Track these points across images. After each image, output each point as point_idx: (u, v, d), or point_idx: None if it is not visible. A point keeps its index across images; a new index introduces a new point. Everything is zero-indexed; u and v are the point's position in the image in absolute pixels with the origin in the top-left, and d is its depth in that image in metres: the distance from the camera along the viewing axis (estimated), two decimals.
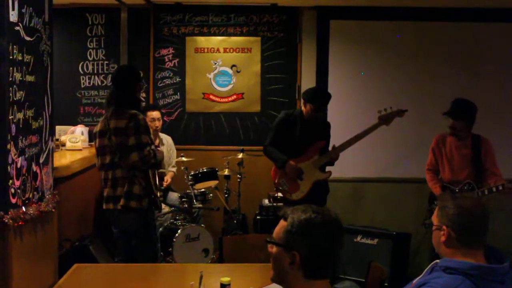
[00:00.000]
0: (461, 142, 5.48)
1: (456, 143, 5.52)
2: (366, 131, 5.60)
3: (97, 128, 4.97)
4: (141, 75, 5.18)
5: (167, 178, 6.97)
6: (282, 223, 2.26)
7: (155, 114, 6.83)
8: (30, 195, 3.41)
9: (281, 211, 2.30)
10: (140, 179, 4.81)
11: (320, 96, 5.59)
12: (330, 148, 5.69)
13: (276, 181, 5.76)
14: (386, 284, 5.80)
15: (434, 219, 2.79)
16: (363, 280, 5.85)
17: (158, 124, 6.84)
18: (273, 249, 2.27)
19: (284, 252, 2.21)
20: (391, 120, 5.61)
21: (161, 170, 6.81)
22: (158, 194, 5.08)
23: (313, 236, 2.17)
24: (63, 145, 6.32)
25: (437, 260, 2.74)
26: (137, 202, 4.81)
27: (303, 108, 5.64)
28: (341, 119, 6.78)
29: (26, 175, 3.34)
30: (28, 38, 3.36)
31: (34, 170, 3.49)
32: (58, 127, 6.48)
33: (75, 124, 7.05)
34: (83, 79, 7.49)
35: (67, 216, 5.34)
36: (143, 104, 7.32)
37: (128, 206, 4.79)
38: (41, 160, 3.62)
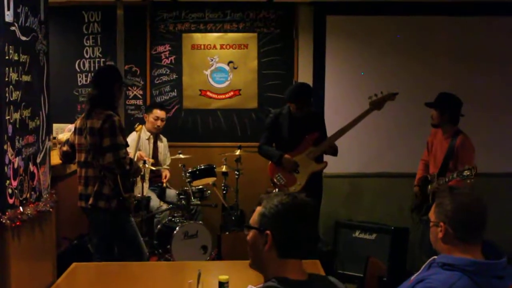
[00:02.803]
0: (445, 135, 5.50)
1: (441, 138, 5.56)
2: (357, 118, 5.63)
3: (76, 125, 4.97)
4: (122, 76, 5.15)
5: (165, 174, 6.97)
6: (257, 209, 2.38)
7: (161, 113, 6.86)
8: (28, 195, 3.41)
9: (258, 199, 2.42)
10: (110, 180, 4.80)
11: (298, 94, 5.65)
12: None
13: (273, 177, 5.78)
14: (384, 279, 5.82)
15: (432, 215, 2.79)
16: (362, 275, 5.87)
17: (161, 124, 6.86)
18: (249, 234, 2.38)
19: (258, 234, 2.33)
20: (383, 105, 5.65)
21: (157, 167, 6.82)
22: (130, 196, 5.05)
23: (284, 216, 2.30)
24: (60, 143, 6.31)
25: (435, 256, 2.75)
26: (106, 203, 4.79)
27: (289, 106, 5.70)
28: (338, 115, 6.76)
29: (23, 175, 3.34)
30: (24, 38, 3.36)
31: (31, 170, 3.49)
32: (55, 125, 6.46)
33: (72, 122, 6.97)
34: (80, 76, 7.47)
35: (65, 214, 5.35)
36: (140, 102, 7.37)
37: (97, 205, 4.79)
38: (38, 160, 3.62)
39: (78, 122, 4.95)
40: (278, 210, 2.30)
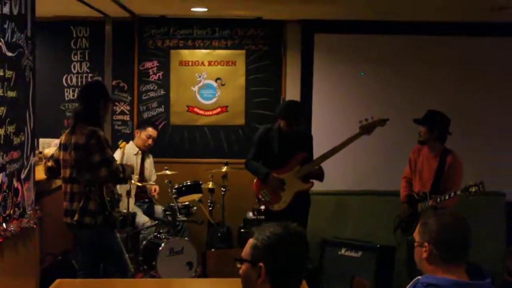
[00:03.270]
0: (432, 154, 5.51)
1: (428, 155, 5.57)
2: (346, 141, 5.62)
3: (61, 140, 4.95)
4: (108, 92, 5.14)
5: (154, 188, 6.95)
6: (249, 241, 2.33)
7: (154, 132, 6.93)
8: (11, 212, 3.38)
9: (250, 231, 2.38)
10: (95, 196, 4.78)
11: (289, 111, 5.64)
12: None
13: (258, 193, 5.77)
14: None
15: (416, 235, 2.79)
16: None
17: (151, 142, 6.92)
18: (242, 268, 2.33)
19: (251, 267, 2.28)
20: (373, 130, 5.63)
21: (143, 183, 6.81)
22: (116, 212, 5.04)
23: (277, 248, 2.25)
24: (47, 158, 6.28)
25: (419, 277, 2.74)
26: (91, 218, 4.76)
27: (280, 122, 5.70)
28: (325, 131, 6.79)
29: (7, 191, 3.32)
30: (10, 54, 3.34)
31: (15, 186, 3.47)
32: (42, 140, 6.45)
33: (58, 136, 6.92)
34: (67, 91, 7.46)
35: (50, 230, 5.32)
36: (127, 117, 7.35)
37: (82, 222, 4.76)
38: (22, 176, 3.60)
39: (63, 137, 4.93)
40: (271, 242, 2.25)
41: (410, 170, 5.80)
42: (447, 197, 5.16)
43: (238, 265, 2.34)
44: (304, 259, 2.32)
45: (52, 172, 5.09)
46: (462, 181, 5.23)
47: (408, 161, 5.81)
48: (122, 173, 4.82)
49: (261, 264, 2.24)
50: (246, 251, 2.32)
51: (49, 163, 5.09)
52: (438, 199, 5.23)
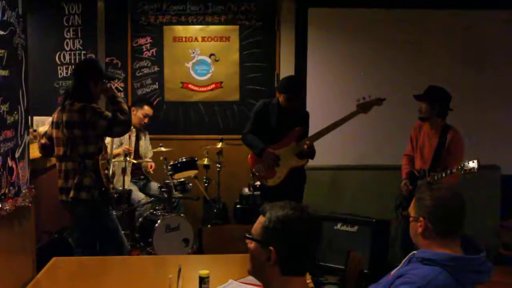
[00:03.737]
0: (433, 131, 5.49)
1: (428, 132, 5.54)
2: (343, 119, 5.59)
3: (53, 118, 4.94)
4: (101, 71, 5.10)
5: (151, 164, 6.96)
6: (260, 219, 2.24)
7: (150, 111, 6.96)
8: (6, 191, 3.37)
9: (261, 207, 2.28)
10: (90, 172, 4.77)
11: (290, 86, 5.61)
12: None
13: (253, 168, 5.77)
14: (366, 271, 5.84)
15: (411, 210, 2.81)
16: (343, 267, 5.88)
17: (147, 121, 6.95)
18: (251, 244, 2.25)
19: (261, 248, 2.20)
20: (370, 109, 5.60)
21: (138, 161, 6.81)
22: (111, 187, 5.07)
23: (290, 232, 2.15)
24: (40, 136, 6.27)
25: (415, 252, 2.76)
26: (87, 194, 4.76)
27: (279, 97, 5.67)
28: (320, 107, 6.78)
29: (2, 170, 3.30)
30: (1, 32, 3.31)
31: (10, 165, 3.45)
32: (36, 118, 6.44)
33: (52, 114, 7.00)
34: (60, 69, 7.43)
35: (45, 208, 5.32)
36: (121, 95, 7.33)
37: (78, 197, 4.76)
38: (16, 155, 3.58)
39: (55, 115, 4.91)
40: (284, 226, 2.15)
41: (411, 147, 5.78)
42: (443, 175, 5.16)
43: (247, 241, 2.26)
44: (317, 244, 2.21)
45: (46, 150, 5.07)
46: (463, 157, 5.22)
47: (409, 138, 5.80)
48: (122, 115, 4.82)
49: (271, 248, 2.16)
50: (256, 229, 2.24)
51: (43, 140, 5.08)
52: (436, 177, 5.23)
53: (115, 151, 6.46)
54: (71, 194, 4.76)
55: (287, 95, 5.54)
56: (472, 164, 4.91)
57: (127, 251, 5.22)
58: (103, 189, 4.83)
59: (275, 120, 5.68)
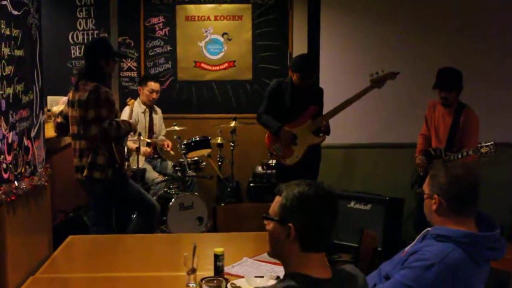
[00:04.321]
0: (447, 110, 5.47)
1: (443, 111, 5.52)
2: (357, 95, 5.60)
3: (69, 97, 4.97)
4: (112, 49, 5.11)
5: (167, 143, 6.96)
6: (277, 199, 2.26)
7: (156, 86, 6.87)
8: (22, 170, 3.41)
9: (276, 188, 2.29)
10: (104, 150, 4.79)
11: (303, 64, 5.60)
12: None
13: (270, 147, 5.78)
14: (379, 249, 5.85)
15: (426, 187, 2.81)
16: (357, 245, 5.90)
17: (155, 96, 6.88)
18: (269, 225, 2.27)
19: (280, 226, 2.21)
20: (383, 83, 5.59)
21: (154, 140, 6.83)
22: (125, 165, 5.09)
23: (307, 208, 2.17)
24: (55, 115, 6.30)
25: (429, 228, 2.77)
26: (101, 173, 4.80)
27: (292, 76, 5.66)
28: (333, 85, 6.74)
29: (18, 149, 3.34)
30: (15, 12, 3.33)
31: (26, 144, 3.49)
32: (49, 98, 6.45)
33: (66, 94, 6.95)
34: (73, 49, 7.44)
35: (61, 187, 5.36)
36: (135, 74, 7.34)
37: (92, 176, 4.80)
38: (32, 134, 3.61)
39: (70, 94, 4.96)
40: (301, 202, 2.17)
41: (426, 127, 5.76)
42: (459, 156, 5.14)
43: (265, 222, 2.28)
44: (334, 219, 2.23)
45: (61, 129, 5.11)
46: (478, 136, 5.20)
47: (424, 118, 5.78)
48: (114, 131, 4.77)
49: (290, 224, 2.17)
50: (274, 209, 2.25)
51: (59, 119, 5.11)
52: (452, 157, 5.21)
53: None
54: (85, 173, 4.80)
55: (300, 74, 5.54)
56: (488, 147, 4.89)
57: (158, 210, 5.40)
58: (117, 166, 4.86)
59: (289, 99, 5.68)
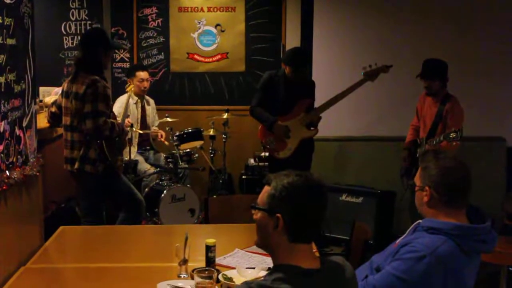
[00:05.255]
0: (434, 100, 5.51)
1: (431, 102, 5.56)
2: (350, 88, 5.62)
3: (63, 87, 4.93)
4: (109, 39, 5.08)
5: (160, 133, 6.94)
6: (266, 189, 2.24)
7: (144, 74, 6.79)
8: (14, 159, 3.39)
9: (265, 178, 2.28)
10: (95, 144, 4.78)
11: (296, 58, 5.61)
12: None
13: (263, 140, 5.78)
14: (370, 242, 5.86)
15: (417, 179, 2.81)
16: (348, 238, 5.91)
17: (146, 84, 6.81)
18: (257, 215, 2.25)
19: (268, 216, 2.19)
20: (376, 76, 5.62)
21: (146, 131, 6.81)
22: (118, 160, 5.06)
23: (296, 198, 2.16)
24: (47, 106, 6.28)
25: (420, 220, 2.77)
26: (92, 167, 4.78)
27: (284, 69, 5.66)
28: (326, 78, 6.74)
29: (9, 139, 3.32)
30: (7, 1, 3.30)
31: (17, 134, 3.47)
32: (42, 88, 6.42)
33: (59, 85, 6.92)
34: (66, 39, 7.40)
35: (52, 177, 5.34)
36: (127, 64, 7.32)
37: (83, 170, 4.78)
38: (24, 124, 3.60)
39: (65, 85, 4.91)
40: (290, 193, 2.15)
41: (417, 118, 5.80)
42: (434, 143, 5.20)
43: (253, 212, 2.27)
44: (323, 210, 2.21)
45: (54, 118, 5.08)
46: (462, 126, 5.22)
47: (416, 110, 5.83)
48: (108, 130, 4.73)
49: (278, 215, 2.15)
50: (262, 199, 2.23)
51: (52, 109, 5.08)
52: (433, 142, 5.25)
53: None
54: (76, 165, 4.78)
55: (293, 67, 5.55)
56: (455, 132, 4.93)
57: (144, 206, 5.36)
58: (108, 162, 4.83)
59: (282, 91, 5.69)
